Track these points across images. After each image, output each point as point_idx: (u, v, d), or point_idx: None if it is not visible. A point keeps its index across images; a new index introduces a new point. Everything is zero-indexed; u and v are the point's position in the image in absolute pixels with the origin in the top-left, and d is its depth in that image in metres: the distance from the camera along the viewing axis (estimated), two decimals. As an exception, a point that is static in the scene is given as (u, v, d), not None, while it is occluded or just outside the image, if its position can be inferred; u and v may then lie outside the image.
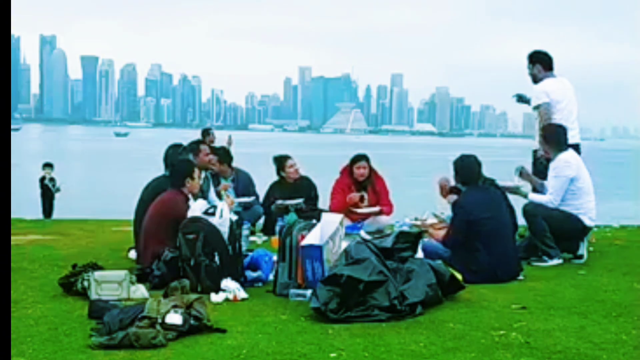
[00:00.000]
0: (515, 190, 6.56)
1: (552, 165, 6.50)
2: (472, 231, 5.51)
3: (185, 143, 7.37)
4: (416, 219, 6.34)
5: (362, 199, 7.93)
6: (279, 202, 7.93)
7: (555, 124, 6.79)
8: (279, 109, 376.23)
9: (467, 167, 5.88)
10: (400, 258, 4.89)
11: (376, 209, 7.88)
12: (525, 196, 6.52)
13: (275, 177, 8.33)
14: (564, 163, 6.45)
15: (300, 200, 7.88)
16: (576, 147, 6.90)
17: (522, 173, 6.66)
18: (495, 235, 5.53)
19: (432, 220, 6.17)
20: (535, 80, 7.15)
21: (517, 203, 6.73)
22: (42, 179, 14.13)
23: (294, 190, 8.06)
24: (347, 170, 8.04)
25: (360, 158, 8.02)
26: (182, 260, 5.15)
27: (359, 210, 7.83)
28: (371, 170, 8.05)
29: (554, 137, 6.56)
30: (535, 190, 6.62)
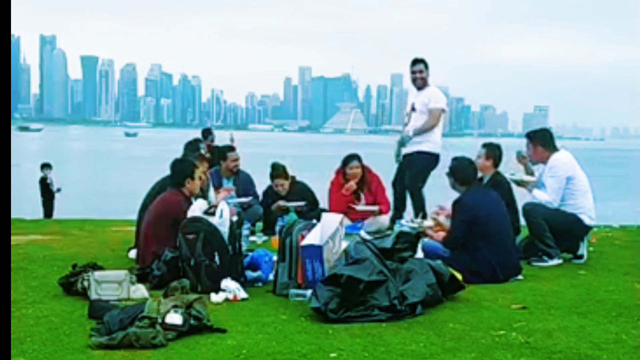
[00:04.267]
0: (521, 183, 6.58)
1: (547, 165, 6.50)
2: (473, 231, 5.49)
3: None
4: (412, 221, 6.37)
5: (357, 193, 7.94)
6: (282, 202, 7.90)
7: (540, 128, 6.95)
8: (279, 109, 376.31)
9: (462, 168, 5.88)
10: (400, 258, 4.89)
11: (375, 207, 7.87)
12: (530, 190, 6.52)
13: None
14: (559, 163, 6.44)
15: (302, 203, 7.85)
16: (437, 157, 7.80)
17: (521, 157, 6.79)
18: (495, 234, 5.52)
19: (428, 222, 6.17)
20: (424, 84, 7.98)
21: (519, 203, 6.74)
22: (43, 180, 14.14)
23: (288, 197, 8.02)
24: (341, 172, 8.02)
25: (351, 159, 7.99)
26: (182, 260, 5.15)
27: (358, 208, 7.82)
28: (364, 169, 8.03)
29: (543, 140, 6.57)
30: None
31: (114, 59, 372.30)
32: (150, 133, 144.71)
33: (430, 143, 7.89)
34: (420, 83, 8.02)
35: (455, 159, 5.92)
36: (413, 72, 8.02)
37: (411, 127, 7.96)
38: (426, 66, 8.01)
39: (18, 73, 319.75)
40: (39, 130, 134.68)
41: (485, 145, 6.96)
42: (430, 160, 7.82)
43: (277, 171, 8.14)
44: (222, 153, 8.46)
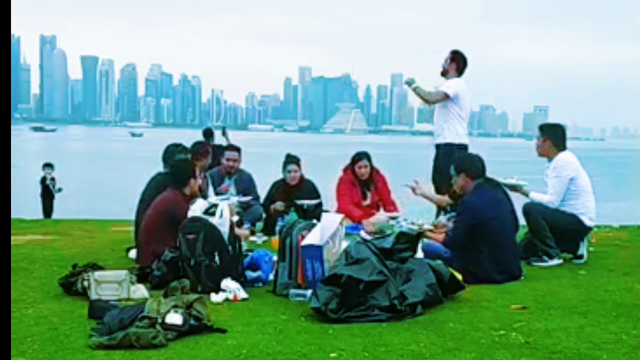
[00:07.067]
0: (517, 189, 6.55)
1: (551, 165, 6.50)
2: (476, 232, 5.43)
3: (185, 143, 7.40)
4: (412, 223, 6.33)
5: (363, 192, 7.94)
6: (298, 202, 7.82)
7: (555, 123, 6.86)
8: (279, 109, 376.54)
9: (471, 161, 5.82)
10: (400, 258, 4.89)
11: (396, 213, 7.81)
12: (527, 194, 6.51)
13: (278, 175, 8.30)
14: (564, 163, 6.44)
15: (316, 202, 7.78)
16: (465, 147, 7.60)
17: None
18: (498, 237, 5.47)
19: (428, 226, 6.13)
20: (444, 73, 7.89)
21: (518, 202, 6.72)
22: (43, 179, 14.12)
23: (295, 191, 8.02)
24: (350, 169, 8.05)
25: (361, 157, 8.02)
26: (182, 260, 5.15)
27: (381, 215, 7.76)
28: (372, 168, 8.05)
29: (555, 137, 6.56)
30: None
31: (114, 59, 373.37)
32: (150, 133, 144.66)
33: (452, 134, 7.70)
34: (442, 71, 7.90)
35: (462, 154, 5.86)
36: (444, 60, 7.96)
37: (435, 121, 7.89)
38: (452, 58, 7.86)
39: (18, 73, 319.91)
40: (53, 130, 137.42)
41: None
42: (452, 151, 7.51)
43: (293, 158, 8.14)
44: (223, 152, 8.49)
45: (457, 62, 7.83)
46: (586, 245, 6.52)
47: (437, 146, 7.80)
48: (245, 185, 8.14)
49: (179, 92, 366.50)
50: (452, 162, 6.87)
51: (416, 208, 7.46)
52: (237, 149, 8.42)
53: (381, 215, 7.89)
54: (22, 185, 14.85)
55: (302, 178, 8.17)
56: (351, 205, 7.87)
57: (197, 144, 7.62)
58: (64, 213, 12.83)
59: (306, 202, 7.73)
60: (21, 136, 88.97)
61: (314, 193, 8.07)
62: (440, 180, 7.59)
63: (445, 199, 6.54)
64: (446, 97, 7.67)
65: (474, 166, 5.76)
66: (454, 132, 7.68)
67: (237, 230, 5.54)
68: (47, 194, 14.01)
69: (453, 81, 7.77)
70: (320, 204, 7.85)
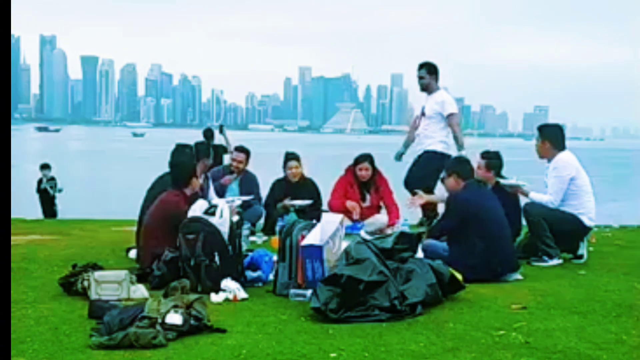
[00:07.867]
0: (517, 189, 6.56)
1: (551, 165, 6.50)
2: (471, 228, 5.47)
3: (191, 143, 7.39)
4: (406, 220, 6.36)
5: (363, 194, 7.95)
6: (287, 202, 7.85)
7: (554, 124, 6.89)
8: (279, 109, 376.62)
9: (464, 162, 5.95)
10: (400, 258, 4.89)
11: (389, 231, 7.77)
12: (527, 194, 6.51)
13: (278, 175, 8.31)
14: (564, 163, 6.45)
15: (308, 202, 7.81)
16: (448, 157, 7.61)
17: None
18: (491, 229, 5.51)
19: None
20: (427, 88, 8.03)
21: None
22: (39, 182, 13.88)
23: (295, 190, 8.02)
24: (351, 170, 8.04)
25: (363, 159, 8.00)
26: (182, 260, 5.15)
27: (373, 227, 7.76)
28: (375, 170, 8.03)
29: (553, 138, 6.56)
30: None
31: (114, 59, 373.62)
32: (151, 133, 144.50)
33: (442, 143, 7.90)
34: (424, 87, 8.03)
35: (454, 157, 5.93)
36: (418, 77, 8.07)
37: (421, 132, 8.04)
38: (430, 71, 7.99)
39: (18, 73, 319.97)
40: (57, 130, 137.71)
41: (484, 156, 6.76)
42: (441, 159, 7.61)
43: (292, 155, 8.18)
44: (224, 152, 8.52)
45: (434, 74, 8.03)
46: (586, 245, 6.52)
47: (423, 152, 7.96)
48: (249, 186, 8.15)
49: (179, 92, 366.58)
50: (430, 169, 7.06)
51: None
52: (246, 152, 8.40)
53: (381, 217, 7.89)
54: (23, 185, 14.81)
55: (303, 176, 8.18)
56: (339, 200, 7.85)
57: (197, 145, 7.62)
58: (64, 213, 12.82)
59: (297, 203, 7.75)
60: (22, 136, 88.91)
61: (314, 192, 8.08)
62: (415, 185, 7.66)
63: (442, 193, 6.58)
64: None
65: (464, 168, 5.87)
66: (445, 143, 7.90)
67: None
68: (46, 196, 13.79)
69: (448, 98, 7.97)
70: (315, 204, 7.86)
